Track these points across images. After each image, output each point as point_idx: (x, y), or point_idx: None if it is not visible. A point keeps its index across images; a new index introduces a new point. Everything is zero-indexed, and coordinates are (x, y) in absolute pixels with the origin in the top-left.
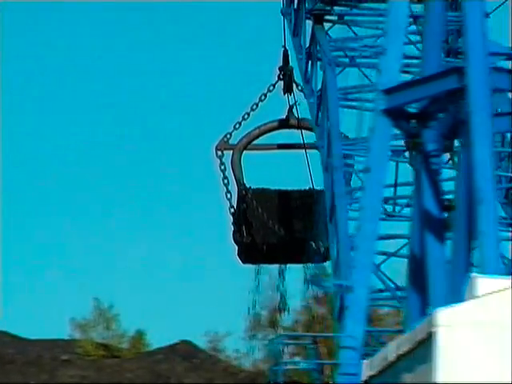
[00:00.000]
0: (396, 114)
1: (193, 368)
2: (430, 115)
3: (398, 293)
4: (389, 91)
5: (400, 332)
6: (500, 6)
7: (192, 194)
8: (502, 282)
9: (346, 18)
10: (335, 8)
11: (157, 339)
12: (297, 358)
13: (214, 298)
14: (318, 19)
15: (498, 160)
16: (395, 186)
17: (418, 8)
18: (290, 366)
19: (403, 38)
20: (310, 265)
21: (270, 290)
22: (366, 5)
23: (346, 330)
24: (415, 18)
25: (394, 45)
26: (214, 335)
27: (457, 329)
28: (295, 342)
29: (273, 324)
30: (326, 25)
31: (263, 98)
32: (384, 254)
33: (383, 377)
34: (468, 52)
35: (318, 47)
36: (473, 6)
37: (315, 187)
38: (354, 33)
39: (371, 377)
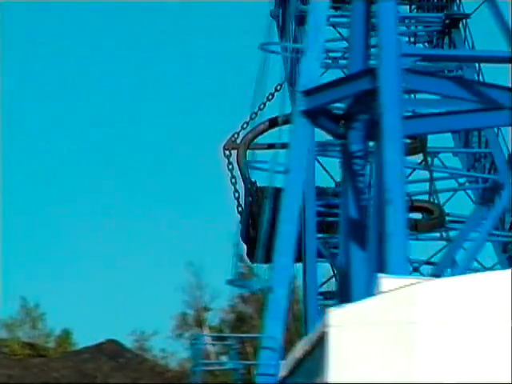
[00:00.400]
0: (317, 115)
1: (119, 367)
2: (353, 116)
3: None
4: (308, 92)
5: None
6: (478, 7)
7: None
8: (405, 281)
9: (331, 19)
10: None
11: (83, 338)
12: (223, 358)
13: (141, 297)
14: (301, 21)
15: (473, 161)
16: (369, 187)
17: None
18: (214, 366)
19: (322, 39)
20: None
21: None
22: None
23: (265, 331)
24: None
25: (314, 46)
26: (141, 334)
27: (347, 328)
28: (219, 343)
29: (199, 323)
30: None
31: (270, 97)
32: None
33: (293, 377)
34: (380, 53)
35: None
36: (385, 8)
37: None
38: (341, 34)
39: (284, 377)
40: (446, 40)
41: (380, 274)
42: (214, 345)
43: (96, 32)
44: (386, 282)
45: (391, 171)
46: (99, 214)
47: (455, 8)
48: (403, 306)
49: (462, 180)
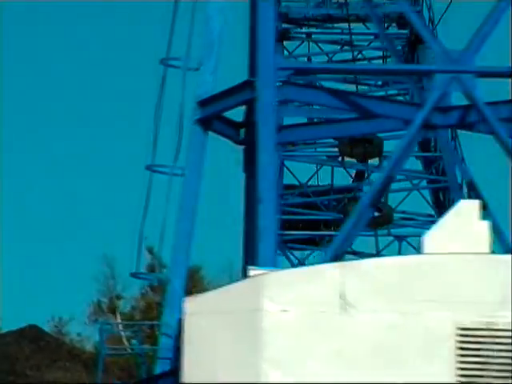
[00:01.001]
0: (211, 123)
1: (39, 350)
2: (250, 123)
3: None
4: (202, 103)
5: None
6: (444, 12)
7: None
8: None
9: (313, 36)
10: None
11: (6, 324)
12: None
13: (60, 286)
14: (282, 38)
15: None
16: (331, 189)
17: None
18: (121, 350)
19: (217, 53)
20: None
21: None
22: (329, 24)
23: (163, 318)
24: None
25: (209, 60)
26: (59, 320)
27: (200, 316)
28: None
29: (112, 310)
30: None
31: None
32: None
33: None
34: (258, 66)
35: None
36: (263, 23)
37: None
38: (321, 49)
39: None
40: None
41: (249, 266)
42: (124, 330)
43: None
44: (253, 273)
45: (264, 173)
46: (19, 203)
47: None
48: (250, 294)
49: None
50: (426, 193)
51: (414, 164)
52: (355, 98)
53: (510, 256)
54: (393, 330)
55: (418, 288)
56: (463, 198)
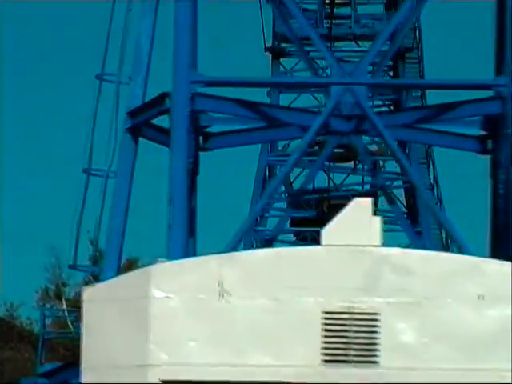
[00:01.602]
0: (141, 131)
1: None
2: None
3: None
4: (131, 113)
5: None
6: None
7: None
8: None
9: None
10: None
11: None
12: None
13: (11, 274)
14: (277, 55)
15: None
16: (313, 190)
17: None
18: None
19: (146, 67)
20: None
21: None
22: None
23: None
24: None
25: (139, 74)
26: (10, 305)
27: (97, 304)
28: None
29: (58, 296)
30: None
31: None
32: None
33: None
34: (172, 79)
35: None
36: (178, 39)
37: None
38: (317, 64)
39: None
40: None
41: (160, 258)
42: (68, 315)
43: None
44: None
45: (174, 176)
46: None
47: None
48: (140, 283)
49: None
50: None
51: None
52: (263, 108)
53: (374, 248)
54: (266, 315)
55: (288, 276)
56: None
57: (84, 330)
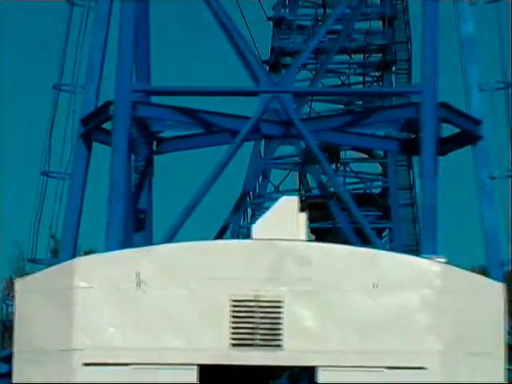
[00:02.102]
0: (94, 135)
1: None
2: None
3: None
4: (83, 120)
5: None
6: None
7: None
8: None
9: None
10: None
11: None
12: None
13: None
14: (273, 67)
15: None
16: (299, 190)
17: None
18: None
19: (98, 77)
20: None
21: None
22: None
23: None
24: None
25: (91, 84)
26: None
27: (27, 294)
28: None
29: None
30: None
31: None
32: None
33: None
34: (115, 88)
35: None
36: (121, 51)
37: None
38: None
39: None
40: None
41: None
42: None
43: None
44: None
45: (114, 177)
46: None
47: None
48: (66, 274)
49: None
50: None
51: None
52: (200, 114)
53: (278, 241)
54: (179, 303)
55: (200, 268)
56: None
57: (16, 318)
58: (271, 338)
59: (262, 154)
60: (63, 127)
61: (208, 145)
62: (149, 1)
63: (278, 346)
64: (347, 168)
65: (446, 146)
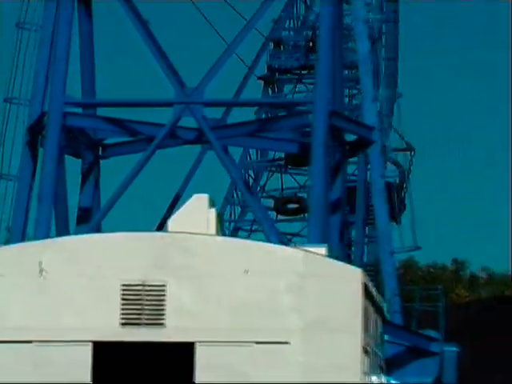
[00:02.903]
0: (37, 143)
1: None
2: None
3: None
4: (29, 129)
5: None
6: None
7: None
8: None
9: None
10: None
11: None
12: None
13: None
14: (268, 82)
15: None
16: (282, 190)
17: None
18: None
19: (43, 90)
20: None
21: None
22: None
23: None
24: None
25: (36, 98)
26: None
27: None
28: None
29: None
30: None
31: None
32: None
33: None
34: (49, 101)
35: None
36: (57, 68)
37: None
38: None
39: None
40: None
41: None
42: None
43: None
44: None
45: (43, 180)
46: None
47: None
48: None
49: None
50: None
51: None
52: (125, 123)
53: (164, 233)
54: (78, 288)
55: (95, 257)
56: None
57: None
58: (156, 317)
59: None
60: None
61: (164, 146)
62: (92, 21)
63: (162, 324)
64: None
65: (351, 149)
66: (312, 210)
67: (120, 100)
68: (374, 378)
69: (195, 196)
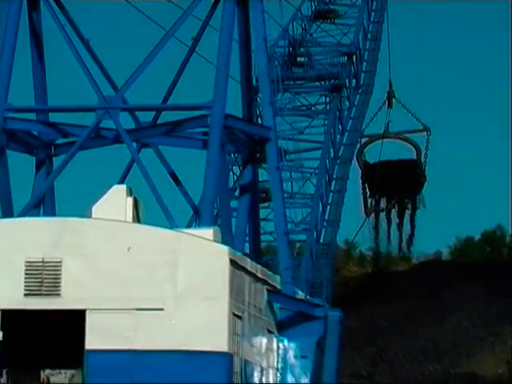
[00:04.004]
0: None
1: None
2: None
3: None
4: None
5: None
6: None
7: None
8: None
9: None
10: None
11: None
12: None
13: None
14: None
15: None
16: (234, 184)
17: None
18: None
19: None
20: None
21: None
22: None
23: None
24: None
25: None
26: None
27: None
28: None
29: None
30: None
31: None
32: None
33: None
34: None
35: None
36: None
37: None
38: (301, 102)
39: None
40: None
41: None
42: None
43: None
44: None
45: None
46: None
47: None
48: None
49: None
50: None
51: None
52: (58, 126)
53: (61, 218)
54: None
55: (7, 238)
56: None
57: None
58: (53, 289)
59: None
60: None
61: (92, 146)
62: (41, 32)
63: (59, 294)
64: None
65: (254, 145)
66: (203, 196)
67: (48, 107)
68: (260, 339)
69: (115, 186)
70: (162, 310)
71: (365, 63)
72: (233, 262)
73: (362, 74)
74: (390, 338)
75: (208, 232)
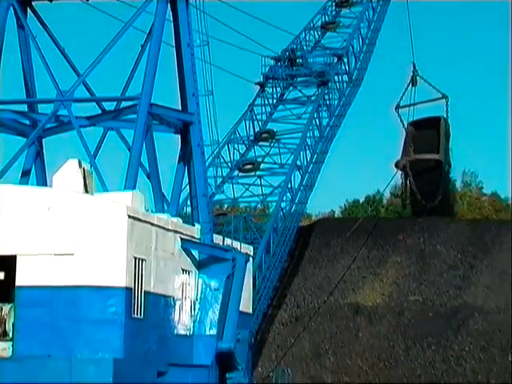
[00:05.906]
0: None
1: None
2: None
3: None
4: None
5: None
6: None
7: None
8: None
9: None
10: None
11: None
12: None
13: None
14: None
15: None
16: (215, 179)
17: None
18: None
19: None
20: None
21: None
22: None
23: None
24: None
25: None
26: None
27: None
28: None
29: None
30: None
31: None
32: None
33: None
34: None
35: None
36: None
37: None
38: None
39: None
40: None
41: None
42: None
43: None
44: None
45: None
46: None
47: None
48: None
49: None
50: None
51: None
52: (31, 114)
53: None
54: None
55: None
56: None
57: None
58: None
59: None
60: None
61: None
62: (29, 30)
63: None
64: None
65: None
66: (130, 165)
67: (19, 100)
68: (173, 277)
69: (69, 160)
70: (72, 254)
71: (359, 62)
72: (132, 217)
73: (356, 72)
74: (294, 275)
75: (127, 195)
